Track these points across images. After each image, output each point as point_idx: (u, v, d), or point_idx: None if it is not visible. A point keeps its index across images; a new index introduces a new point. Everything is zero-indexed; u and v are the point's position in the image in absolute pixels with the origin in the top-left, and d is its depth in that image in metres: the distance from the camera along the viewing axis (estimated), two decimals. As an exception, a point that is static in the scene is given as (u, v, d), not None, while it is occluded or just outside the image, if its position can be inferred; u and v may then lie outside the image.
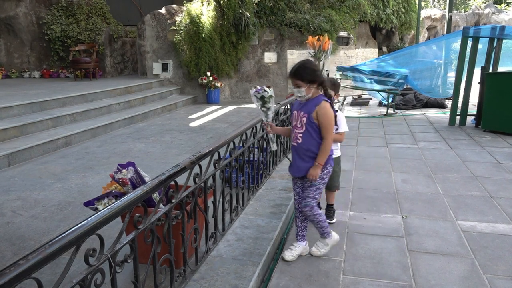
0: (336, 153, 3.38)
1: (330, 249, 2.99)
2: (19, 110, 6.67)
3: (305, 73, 2.63)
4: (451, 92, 9.39)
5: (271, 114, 2.94)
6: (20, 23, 11.71)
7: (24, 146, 5.53)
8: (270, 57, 11.74)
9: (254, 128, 3.63)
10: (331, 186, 3.51)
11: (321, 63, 3.17)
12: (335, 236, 3.01)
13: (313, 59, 3.24)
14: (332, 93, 3.17)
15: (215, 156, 2.80)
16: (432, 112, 9.51)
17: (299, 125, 2.73)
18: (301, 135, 2.72)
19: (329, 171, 2.81)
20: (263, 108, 2.89)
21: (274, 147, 3.12)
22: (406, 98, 10.17)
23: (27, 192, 4.31)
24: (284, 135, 3.71)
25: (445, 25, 13.00)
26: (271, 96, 2.88)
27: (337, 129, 3.14)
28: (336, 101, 3.31)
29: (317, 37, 3.09)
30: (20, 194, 4.25)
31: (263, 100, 2.87)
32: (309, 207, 2.80)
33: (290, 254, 2.91)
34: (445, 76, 9.62)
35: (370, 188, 4.48)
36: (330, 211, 3.59)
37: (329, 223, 3.36)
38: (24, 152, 5.48)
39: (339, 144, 3.39)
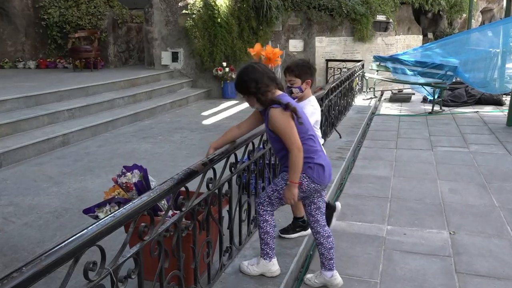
0: None
1: (259, 274, 2.75)
2: (12, 105, 6.84)
3: (240, 87, 2.61)
4: (510, 86, 9.18)
5: None
6: (14, 6, 12.03)
7: (17, 145, 5.67)
8: (295, 45, 11.71)
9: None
10: None
11: None
12: (273, 266, 2.76)
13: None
14: (298, 81, 3.10)
15: (231, 159, 2.81)
16: (486, 110, 9.32)
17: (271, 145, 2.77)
18: (275, 152, 2.74)
19: (300, 181, 2.60)
20: None
21: None
22: (455, 93, 10.00)
23: (20, 197, 4.42)
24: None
25: (504, 7, 12.70)
26: None
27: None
28: (297, 90, 3.12)
29: (257, 45, 2.91)
30: (13, 199, 4.36)
31: None
32: (258, 203, 2.74)
33: (311, 279, 2.89)
34: (503, 68, 9.42)
35: (412, 198, 4.43)
36: (297, 225, 3.34)
37: (285, 237, 3.25)
38: (17, 152, 5.63)
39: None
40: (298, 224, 3.32)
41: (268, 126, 2.60)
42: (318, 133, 3.23)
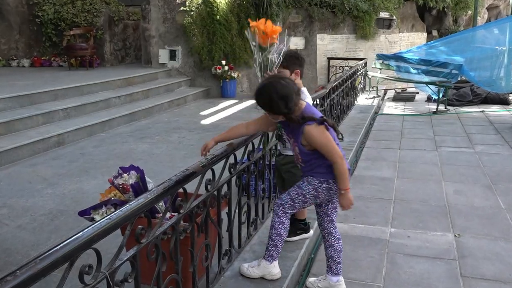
0: None
1: (259, 276, 2.75)
2: (6, 104, 6.85)
3: (263, 104, 2.57)
4: (517, 85, 9.18)
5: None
6: (8, 3, 12.04)
7: (10, 146, 5.67)
8: (296, 43, 11.72)
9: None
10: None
11: (257, 60, 2.83)
12: (275, 268, 2.75)
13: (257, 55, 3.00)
14: (287, 72, 3.05)
15: (231, 160, 2.82)
16: (492, 110, 9.33)
17: (294, 154, 2.72)
18: (300, 161, 2.69)
19: (329, 187, 2.64)
20: None
21: None
22: (460, 92, 10.00)
23: (14, 199, 4.42)
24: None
25: (510, 3, 12.71)
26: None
27: None
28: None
29: (262, 20, 2.74)
30: (6, 201, 4.36)
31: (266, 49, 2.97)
32: (279, 204, 2.71)
33: (313, 283, 2.88)
34: (509, 66, 9.41)
35: (416, 200, 4.43)
36: (298, 228, 3.32)
37: (292, 239, 3.23)
38: (11, 153, 5.63)
39: None
40: (299, 227, 3.32)
41: (301, 142, 2.57)
42: None
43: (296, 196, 2.68)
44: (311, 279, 2.91)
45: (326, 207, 2.77)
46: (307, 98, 3.13)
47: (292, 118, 2.52)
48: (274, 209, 2.73)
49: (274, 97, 2.47)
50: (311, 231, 3.37)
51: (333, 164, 2.54)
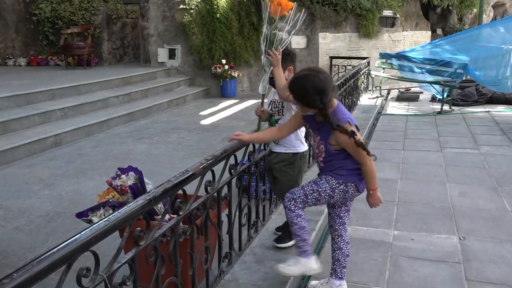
0: (298, 148, 3.16)
1: (300, 273, 2.74)
2: (2, 104, 6.86)
3: (298, 97, 2.56)
4: (523, 85, 9.17)
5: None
6: (4, 1, 12.06)
7: (7, 146, 5.69)
8: (298, 42, 11.73)
9: (278, 127, 3.64)
10: (282, 195, 3.04)
11: (264, 33, 2.79)
12: (314, 263, 2.69)
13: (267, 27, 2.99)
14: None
15: (231, 161, 2.82)
16: (498, 110, 9.32)
17: (317, 151, 2.69)
18: (321, 159, 2.67)
19: (346, 189, 2.63)
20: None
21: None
22: (465, 92, 9.99)
23: (10, 200, 4.43)
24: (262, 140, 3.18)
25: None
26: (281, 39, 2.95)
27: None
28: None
29: None
30: (2, 202, 4.37)
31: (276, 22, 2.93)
32: (290, 198, 2.65)
33: (315, 286, 2.88)
34: (516, 65, 9.41)
35: (420, 202, 4.43)
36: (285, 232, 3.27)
37: (282, 247, 3.19)
38: (7, 153, 5.64)
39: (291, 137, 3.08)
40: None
41: (330, 142, 2.56)
42: (302, 133, 3.18)
43: (311, 192, 2.65)
44: (313, 282, 2.91)
45: (339, 209, 2.76)
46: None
47: (327, 115, 2.49)
48: (285, 204, 2.68)
49: (309, 90, 2.46)
50: None
51: (362, 166, 2.56)
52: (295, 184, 3.03)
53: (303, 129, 3.16)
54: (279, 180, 3.17)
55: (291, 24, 3.01)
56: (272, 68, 3.01)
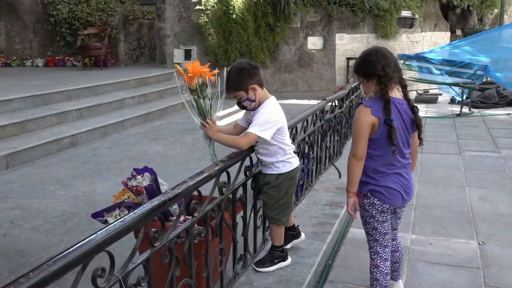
0: (282, 168, 2.82)
1: None
2: (19, 104, 6.96)
3: (360, 66, 2.52)
4: (545, 86, 9.03)
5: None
6: (22, 2, 12.24)
7: (24, 146, 5.77)
8: (314, 43, 11.70)
9: (294, 129, 3.63)
10: (269, 219, 2.97)
11: (193, 105, 3.02)
12: None
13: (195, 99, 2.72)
14: (242, 93, 2.76)
15: (247, 162, 2.82)
16: (519, 112, 9.19)
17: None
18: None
19: (368, 202, 2.55)
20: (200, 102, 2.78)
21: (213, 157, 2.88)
22: (485, 94, 9.87)
23: (27, 200, 4.49)
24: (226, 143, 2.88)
25: (538, 2, 12.53)
26: (203, 84, 2.75)
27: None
28: None
29: (196, 62, 2.49)
30: (19, 202, 4.44)
31: (197, 92, 2.75)
32: (371, 246, 2.64)
33: None
34: (538, 67, 9.27)
35: (438, 205, 4.39)
36: (288, 236, 3.18)
37: (262, 271, 2.97)
38: (24, 153, 5.72)
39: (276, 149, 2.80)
40: (288, 235, 3.16)
41: None
42: (288, 141, 2.87)
43: (364, 225, 2.64)
44: None
45: (391, 215, 2.68)
46: (270, 107, 2.74)
47: (385, 89, 2.42)
48: (370, 255, 2.65)
49: (373, 55, 2.45)
50: (303, 235, 3.29)
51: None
52: (283, 207, 2.87)
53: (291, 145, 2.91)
54: (265, 203, 2.92)
55: (219, 88, 2.78)
56: (213, 140, 2.86)
